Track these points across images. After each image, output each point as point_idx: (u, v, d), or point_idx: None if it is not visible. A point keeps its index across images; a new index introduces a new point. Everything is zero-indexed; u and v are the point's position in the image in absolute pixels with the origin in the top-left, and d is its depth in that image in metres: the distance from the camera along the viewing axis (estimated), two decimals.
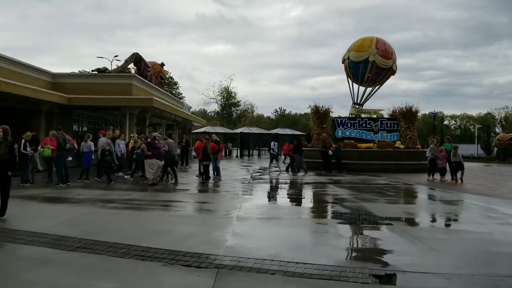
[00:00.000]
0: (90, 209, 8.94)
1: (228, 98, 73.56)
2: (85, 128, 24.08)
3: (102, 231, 6.76)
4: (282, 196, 12.79)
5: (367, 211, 9.34)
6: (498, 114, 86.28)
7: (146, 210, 9.09)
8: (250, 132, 45.17)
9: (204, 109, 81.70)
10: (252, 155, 45.03)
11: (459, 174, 16.37)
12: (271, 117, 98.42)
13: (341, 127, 24.93)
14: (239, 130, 46.83)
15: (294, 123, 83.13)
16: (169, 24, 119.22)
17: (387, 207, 10.02)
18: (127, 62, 23.68)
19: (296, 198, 12.27)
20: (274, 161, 21.75)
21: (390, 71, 26.22)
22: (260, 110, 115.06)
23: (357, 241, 6.66)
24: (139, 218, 8.10)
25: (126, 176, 15.61)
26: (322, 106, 25.21)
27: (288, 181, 16.73)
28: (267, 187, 14.87)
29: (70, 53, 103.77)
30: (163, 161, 14.16)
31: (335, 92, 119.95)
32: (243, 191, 12.87)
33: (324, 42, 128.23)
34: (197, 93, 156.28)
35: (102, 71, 20.94)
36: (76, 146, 13.82)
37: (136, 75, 21.61)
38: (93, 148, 14.60)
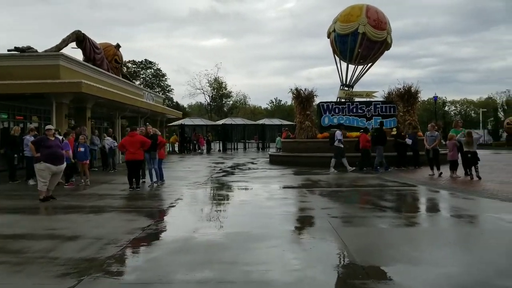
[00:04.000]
0: None
1: (218, 89, 69.40)
2: (11, 124, 19.67)
3: None
4: (216, 215, 8.21)
5: (339, 252, 5.28)
6: (499, 98, 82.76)
7: None
8: (234, 123, 40.94)
9: (200, 102, 77.32)
10: (237, 149, 40.86)
11: (473, 169, 12.40)
12: (268, 108, 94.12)
13: (327, 113, 20.66)
14: (221, 122, 42.60)
15: (289, 114, 79.01)
16: (164, 19, 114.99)
17: (376, 237, 5.96)
18: (64, 41, 19.32)
19: (230, 221, 7.53)
20: (339, 159, 16.06)
21: (385, 44, 21.86)
22: (258, 101, 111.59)
23: None
24: None
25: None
26: (305, 90, 21.01)
27: (243, 186, 12.68)
28: (212, 198, 10.81)
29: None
30: (63, 164, 10.09)
31: (332, 82, 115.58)
32: (170, 207, 8.78)
33: (319, 33, 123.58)
34: (182, 84, 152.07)
35: (22, 50, 16.68)
36: None
37: (64, 53, 17.35)
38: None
